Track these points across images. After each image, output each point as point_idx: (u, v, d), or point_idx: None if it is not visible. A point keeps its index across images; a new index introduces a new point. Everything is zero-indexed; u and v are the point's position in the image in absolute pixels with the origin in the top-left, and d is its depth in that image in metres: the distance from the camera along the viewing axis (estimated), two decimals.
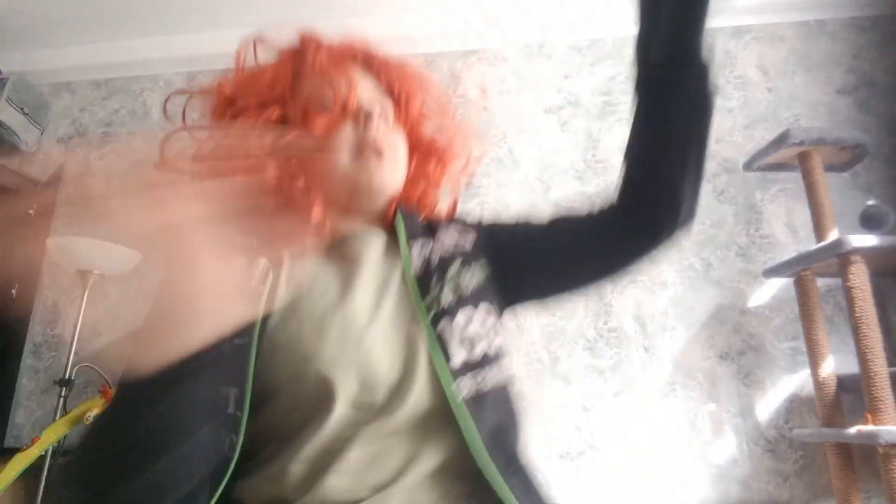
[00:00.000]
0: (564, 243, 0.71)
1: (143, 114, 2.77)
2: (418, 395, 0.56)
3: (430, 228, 0.72)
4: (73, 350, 2.03)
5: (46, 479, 1.83)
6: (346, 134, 0.66)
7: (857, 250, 1.65)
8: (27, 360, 2.46)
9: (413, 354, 0.57)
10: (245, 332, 0.53)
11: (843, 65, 2.33)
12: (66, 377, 1.96)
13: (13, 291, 2.59)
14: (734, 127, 2.32)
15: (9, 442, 2.31)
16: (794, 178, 2.13)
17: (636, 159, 0.66)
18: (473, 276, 0.65)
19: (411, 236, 0.67)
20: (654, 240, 0.66)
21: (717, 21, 2.30)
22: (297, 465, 0.53)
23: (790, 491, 1.89)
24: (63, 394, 1.94)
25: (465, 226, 0.73)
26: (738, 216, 2.21)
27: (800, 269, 1.85)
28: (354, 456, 0.54)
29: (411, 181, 0.75)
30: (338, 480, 0.53)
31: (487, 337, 0.61)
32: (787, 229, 2.17)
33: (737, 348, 2.07)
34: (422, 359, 0.57)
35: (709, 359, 2.07)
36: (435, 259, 0.65)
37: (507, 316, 0.71)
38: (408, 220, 0.70)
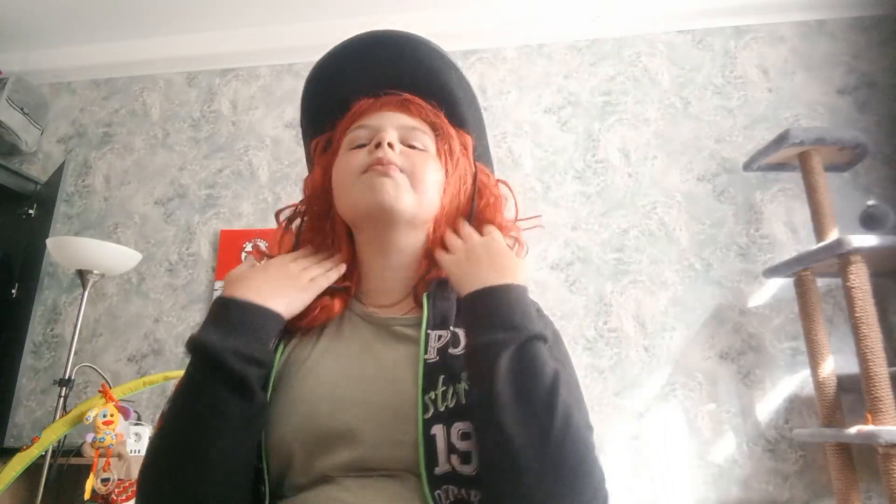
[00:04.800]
0: None
1: (143, 114, 2.78)
2: (400, 481, 0.56)
3: None
4: (73, 350, 2.03)
5: (46, 479, 1.83)
6: (360, 156, 0.68)
7: (857, 250, 1.65)
8: (27, 360, 2.46)
9: (408, 446, 0.56)
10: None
11: (843, 65, 2.33)
12: (66, 377, 1.95)
13: (13, 291, 2.59)
14: (734, 127, 2.32)
15: (9, 442, 2.31)
16: (794, 178, 2.13)
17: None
18: None
19: (435, 323, 0.64)
20: None
21: (718, 21, 2.30)
22: None
23: (790, 491, 1.89)
24: (63, 394, 1.94)
25: None
26: (738, 216, 2.21)
27: (800, 269, 1.85)
28: None
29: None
30: None
31: None
32: (787, 229, 2.17)
33: (737, 348, 2.07)
34: (412, 454, 0.56)
35: (709, 359, 2.07)
36: (454, 352, 0.61)
37: None
38: (439, 302, 0.67)
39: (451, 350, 0.61)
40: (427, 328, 0.63)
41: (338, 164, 0.72)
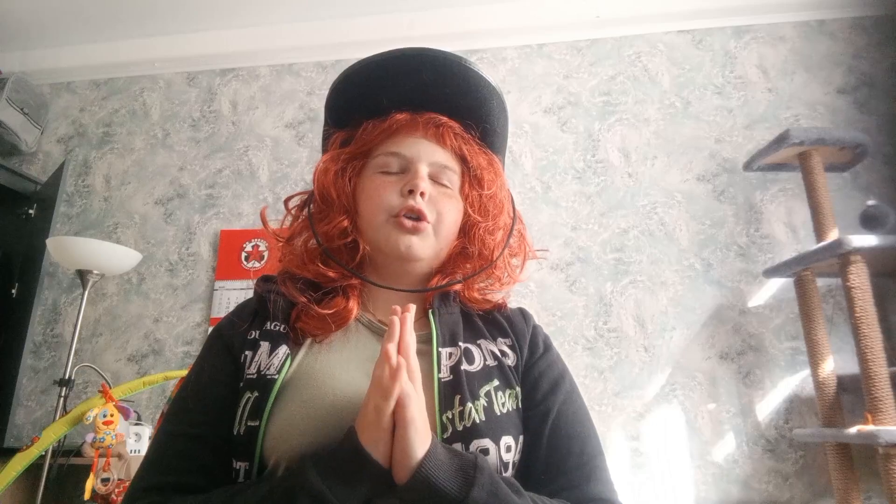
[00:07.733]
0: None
1: (143, 114, 2.78)
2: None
3: (474, 327, 0.69)
4: (73, 350, 2.03)
5: (46, 479, 1.83)
6: (391, 193, 0.68)
7: (857, 250, 1.65)
8: (27, 360, 2.46)
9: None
10: (257, 414, 0.57)
11: (843, 65, 2.33)
12: (66, 377, 1.96)
13: (13, 291, 2.59)
14: (734, 127, 2.32)
15: (9, 442, 2.31)
16: (794, 178, 2.13)
17: None
18: (508, 401, 0.62)
19: (444, 340, 0.64)
20: None
21: (718, 21, 2.30)
22: None
23: (790, 491, 1.89)
24: (63, 394, 1.94)
25: (514, 342, 0.69)
26: (738, 216, 2.21)
27: (800, 269, 1.85)
28: None
29: (456, 260, 0.74)
30: None
31: (506, 471, 0.57)
32: (787, 229, 2.17)
33: (737, 348, 2.07)
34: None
35: (709, 359, 2.07)
36: (468, 369, 0.62)
37: None
38: (444, 317, 0.68)
39: (464, 367, 0.62)
40: (438, 346, 0.63)
41: (367, 188, 0.71)
